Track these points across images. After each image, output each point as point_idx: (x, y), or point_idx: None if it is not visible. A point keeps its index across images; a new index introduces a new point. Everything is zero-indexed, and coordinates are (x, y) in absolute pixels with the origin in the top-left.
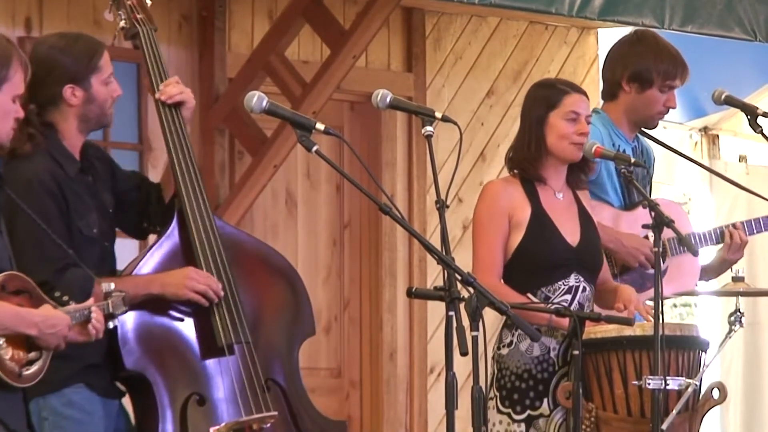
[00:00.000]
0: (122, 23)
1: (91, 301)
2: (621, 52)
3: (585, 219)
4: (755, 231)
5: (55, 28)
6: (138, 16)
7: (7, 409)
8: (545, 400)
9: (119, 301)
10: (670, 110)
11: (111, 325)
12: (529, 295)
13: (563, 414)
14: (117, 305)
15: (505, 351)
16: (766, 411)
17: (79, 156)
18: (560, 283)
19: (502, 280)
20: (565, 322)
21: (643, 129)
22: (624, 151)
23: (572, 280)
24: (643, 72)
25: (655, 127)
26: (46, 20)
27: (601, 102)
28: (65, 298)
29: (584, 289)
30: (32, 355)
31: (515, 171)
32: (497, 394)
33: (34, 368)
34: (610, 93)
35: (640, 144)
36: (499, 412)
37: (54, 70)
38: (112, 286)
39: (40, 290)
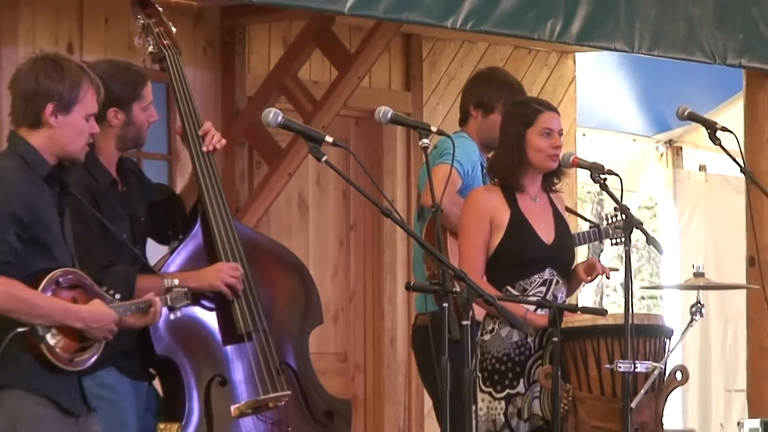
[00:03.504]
0: (150, 48)
1: (150, 294)
2: (472, 84)
3: (559, 220)
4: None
5: (94, 53)
6: (165, 42)
7: (60, 388)
8: (521, 380)
9: (181, 295)
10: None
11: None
12: (508, 287)
13: (535, 392)
14: (177, 299)
15: (487, 337)
16: (714, 391)
17: (116, 170)
18: (536, 276)
19: (484, 278)
20: (539, 320)
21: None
22: (482, 163)
23: (546, 274)
24: (485, 100)
25: None
26: (86, 45)
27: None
28: (111, 291)
29: (557, 282)
30: (85, 343)
31: (496, 180)
32: (480, 375)
33: (85, 355)
34: (462, 118)
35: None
36: (482, 390)
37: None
38: (176, 282)
39: (96, 286)
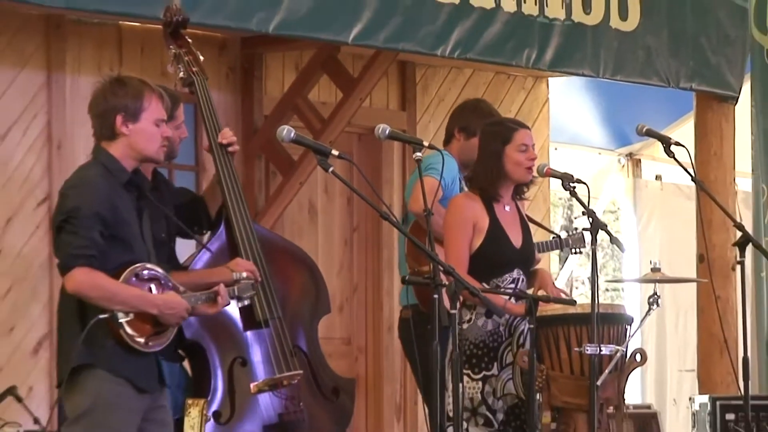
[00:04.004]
0: (181, 74)
1: (221, 286)
2: (458, 111)
3: (524, 225)
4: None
5: None
6: (193, 69)
7: (137, 370)
8: (495, 363)
9: (247, 286)
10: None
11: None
12: (483, 284)
13: (508, 374)
14: (244, 289)
15: (465, 326)
16: (669, 371)
17: (151, 177)
18: (507, 275)
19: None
20: (517, 309)
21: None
22: (461, 179)
23: (515, 273)
24: (469, 126)
25: None
26: (125, 71)
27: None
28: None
29: (523, 280)
30: (159, 328)
31: (474, 189)
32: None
33: (159, 339)
34: (447, 139)
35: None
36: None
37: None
38: (244, 275)
39: (171, 279)
